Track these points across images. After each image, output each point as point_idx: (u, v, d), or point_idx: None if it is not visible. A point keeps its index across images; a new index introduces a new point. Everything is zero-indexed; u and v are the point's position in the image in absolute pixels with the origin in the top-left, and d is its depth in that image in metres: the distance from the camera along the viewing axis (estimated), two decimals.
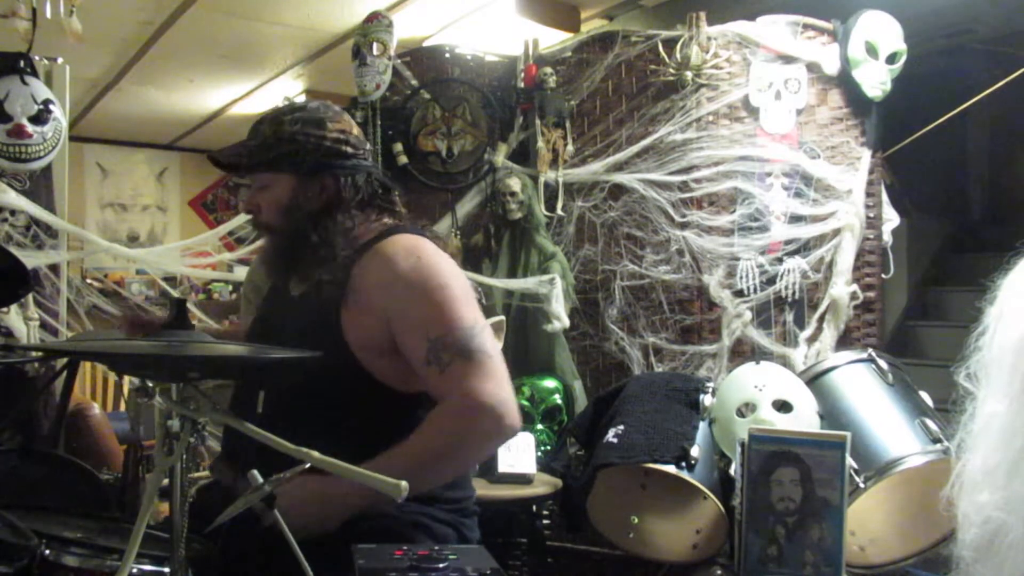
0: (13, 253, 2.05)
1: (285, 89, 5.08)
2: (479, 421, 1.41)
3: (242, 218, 3.29)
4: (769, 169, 2.72)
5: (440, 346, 1.44)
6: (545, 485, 2.42)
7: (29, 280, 2.09)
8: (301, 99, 5.08)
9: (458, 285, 1.51)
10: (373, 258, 1.52)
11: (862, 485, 1.89)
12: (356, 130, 1.61)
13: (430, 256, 1.52)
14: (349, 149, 1.58)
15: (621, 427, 2.07)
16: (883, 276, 2.80)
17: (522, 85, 2.96)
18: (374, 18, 3.00)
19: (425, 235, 1.59)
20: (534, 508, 2.56)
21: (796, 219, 2.72)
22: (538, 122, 2.91)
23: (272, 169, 1.56)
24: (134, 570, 1.20)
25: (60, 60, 2.91)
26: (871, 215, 2.76)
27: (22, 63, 2.77)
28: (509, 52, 3.08)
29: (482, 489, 2.28)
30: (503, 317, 2.68)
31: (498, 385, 1.44)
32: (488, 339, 1.48)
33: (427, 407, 1.49)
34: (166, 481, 1.08)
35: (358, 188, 1.58)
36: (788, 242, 2.71)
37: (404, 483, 1.04)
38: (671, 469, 1.94)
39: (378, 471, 1.13)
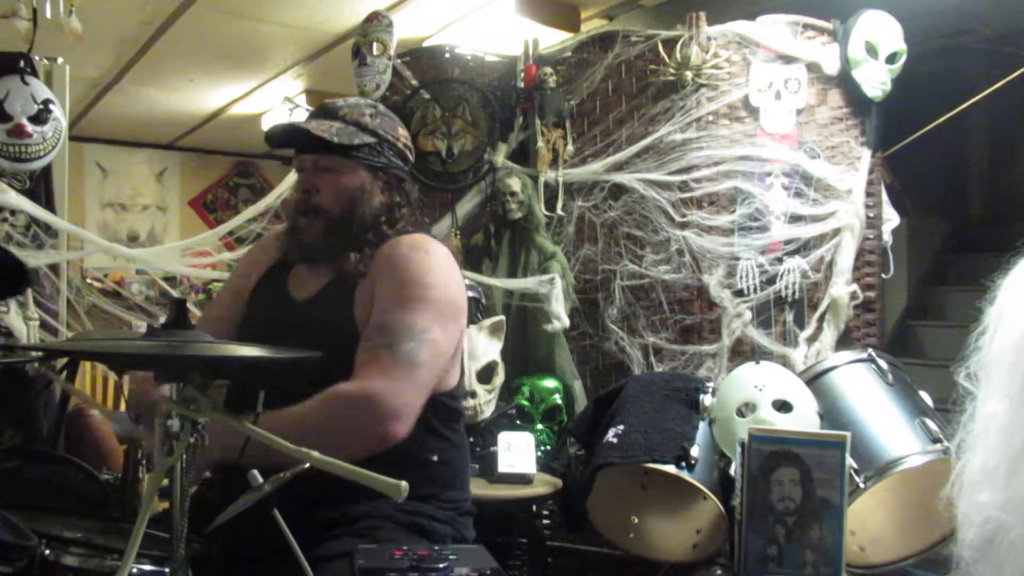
0: (10, 250, 2.05)
1: (285, 89, 5.09)
2: (361, 410, 1.37)
3: (242, 218, 3.29)
4: (769, 169, 2.72)
5: (378, 330, 1.44)
6: (545, 485, 2.42)
7: (28, 276, 2.08)
8: (301, 99, 5.11)
9: (443, 294, 1.50)
10: (389, 246, 1.57)
11: (862, 485, 1.89)
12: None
13: (436, 257, 1.54)
14: (410, 156, 1.67)
15: (621, 427, 2.07)
16: (883, 276, 2.80)
17: (522, 85, 2.96)
18: (374, 18, 3.01)
19: (442, 243, 1.66)
20: (534, 508, 2.56)
21: (796, 219, 2.71)
22: (538, 122, 2.91)
23: (350, 155, 1.57)
24: (134, 570, 1.20)
25: (60, 60, 2.91)
26: (871, 215, 2.76)
27: (22, 63, 2.77)
28: (509, 52, 3.08)
29: (482, 489, 2.29)
30: (503, 317, 2.68)
31: (404, 390, 1.39)
32: (429, 353, 1.44)
33: (431, 403, 1.49)
34: (166, 481, 1.08)
35: (411, 195, 1.66)
36: (788, 242, 2.71)
37: (404, 483, 1.04)
38: (671, 469, 1.94)
39: (264, 424, 1.19)
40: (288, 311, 1.64)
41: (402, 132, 1.66)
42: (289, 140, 1.58)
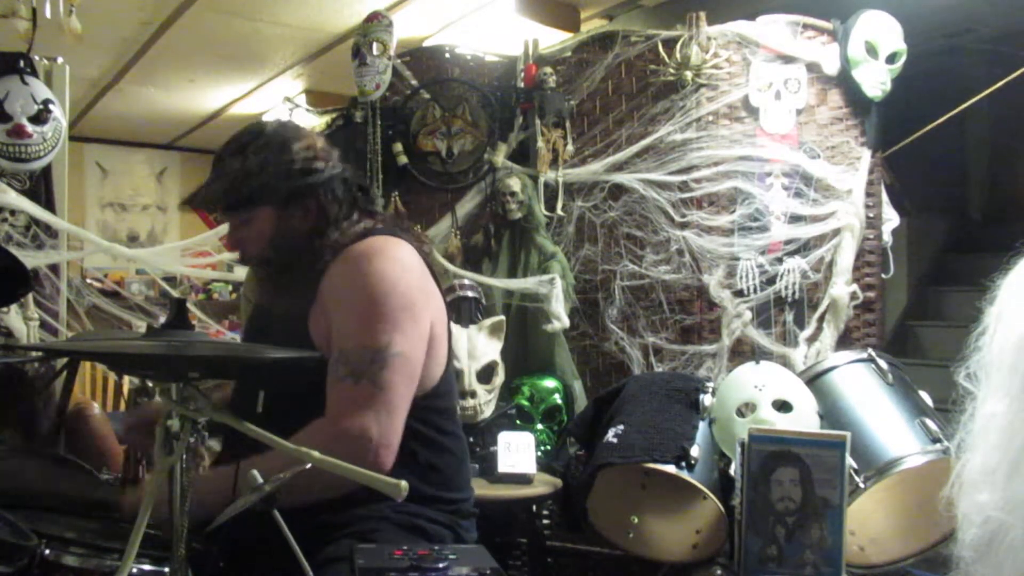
0: (13, 253, 2.05)
1: (285, 89, 5.08)
2: (338, 448, 1.27)
3: None
4: (769, 169, 2.72)
5: (342, 358, 1.41)
6: (545, 485, 2.42)
7: (29, 280, 2.08)
8: (301, 99, 5.10)
9: (397, 300, 1.44)
10: (339, 262, 1.50)
11: (862, 485, 1.89)
12: (320, 141, 1.57)
13: (386, 262, 1.47)
14: (320, 164, 1.53)
15: (621, 427, 2.07)
16: (883, 276, 2.80)
17: (522, 85, 2.96)
18: (374, 18, 3.00)
19: (401, 236, 1.56)
20: (534, 508, 2.56)
21: (796, 219, 2.71)
22: (538, 122, 2.91)
23: (248, 206, 1.52)
24: (134, 570, 1.20)
25: (60, 60, 2.91)
26: (871, 215, 2.76)
27: (22, 63, 2.76)
28: (509, 52, 3.08)
29: (482, 489, 2.29)
30: (503, 317, 2.68)
31: (375, 418, 1.37)
32: (394, 370, 1.40)
33: (413, 411, 1.47)
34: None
35: (339, 199, 1.55)
36: (788, 242, 2.71)
37: (404, 483, 1.04)
38: (671, 469, 1.94)
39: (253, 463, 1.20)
40: (265, 319, 1.64)
41: (299, 146, 1.52)
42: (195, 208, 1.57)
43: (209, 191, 1.53)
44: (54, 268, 2.88)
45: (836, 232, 2.71)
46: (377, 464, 1.37)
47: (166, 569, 1.23)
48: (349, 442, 1.36)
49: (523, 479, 2.41)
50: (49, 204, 2.83)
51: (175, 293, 5.14)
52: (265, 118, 5.63)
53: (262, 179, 1.49)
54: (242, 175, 1.50)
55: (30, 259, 2.61)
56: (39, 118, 2.75)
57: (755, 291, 2.68)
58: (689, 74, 2.73)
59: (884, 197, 2.82)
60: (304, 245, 1.52)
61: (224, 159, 1.54)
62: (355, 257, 1.49)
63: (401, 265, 1.49)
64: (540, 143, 2.90)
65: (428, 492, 1.51)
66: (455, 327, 2.54)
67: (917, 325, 4.77)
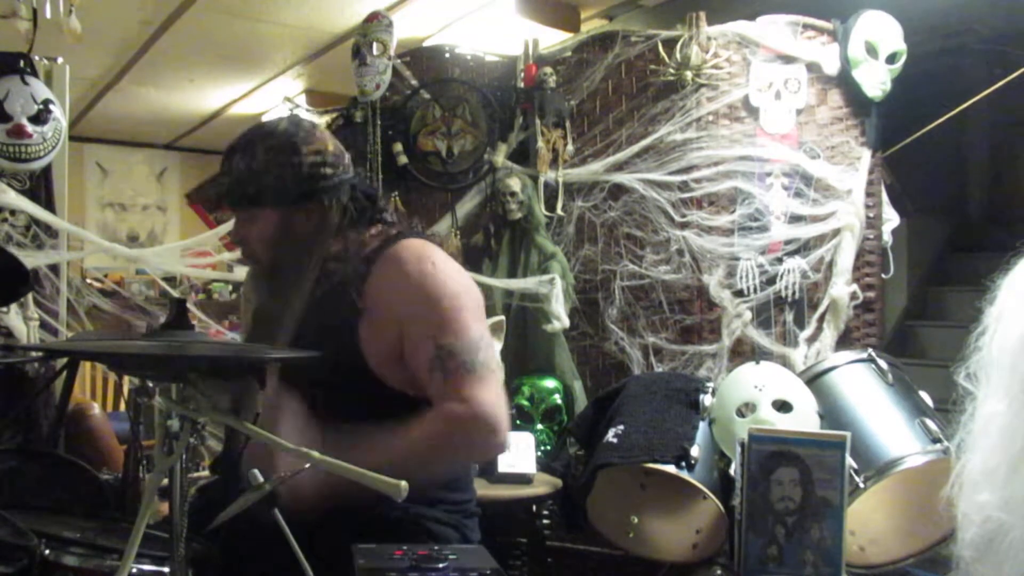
0: (12, 253, 2.05)
1: (285, 89, 5.09)
2: (474, 429, 1.41)
3: None
4: (769, 169, 2.72)
5: (446, 353, 1.44)
6: (545, 485, 2.42)
7: (29, 279, 2.08)
8: (301, 99, 5.11)
9: (469, 296, 1.51)
10: (385, 266, 1.50)
11: (862, 485, 1.89)
12: (331, 145, 1.55)
13: (443, 263, 1.51)
14: (328, 170, 1.51)
15: (621, 427, 2.07)
16: (883, 276, 2.80)
17: (522, 85, 2.96)
18: (374, 18, 3.00)
19: (428, 239, 1.58)
20: (534, 508, 2.56)
21: (796, 219, 2.72)
22: (538, 122, 2.91)
23: (253, 205, 1.52)
24: (134, 570, 1.20)
25: (60, 60, 2.91)
26: (871, 215, 2.76)
27: (22, 63, 2.76)
28: (509, 52, 3.08)
29: (482, 489, 2.28)
30: (503, 317, 2.68)
31: (497, 401, 1.44)
32: (492, 355, 1.48)
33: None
34: (166, 481, 1.08)
35: (344, 207, 1.53)
36: (788, 242, 2.71)
37: (404, 483, 1.04)
38: (671, 469, 1.94)
39: (361, 454, 1.17)
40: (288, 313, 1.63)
41: (308, 149, 1.49)
42: (196, 205, 1.58)
43: (213, 187, 1.58)
44: (54, 268, 2.87)
45: (836, 232, 2.71)
46: (504, 443, 1.45)
47: (166, 569, 1.23)
48: (484, 422, 1.41)
49: (523, 479, 2.41)
50: (49, 204, 2.83)
51: (175, 293, 5.13)
52: (266, 118, 5.65)
53: (266, 180, 1.49)
54: (247, 174, 1.50)
55: (30, 259, 2.61)
56: (39, 118, 2.75)
57: (755, 291, 2.68)
58: (689, 74, 2.73)
59: (884, 197, 2.82)
60: (307, 251, 1.52)
61: (233, 155, 1.53)
62: (413, 259, 1.50)
63: (454, 263, 1.56)
64: (540, 143, 2.90)
65: (436, 493, 1.52)
66: None
67: (917, 325, 4.77)
